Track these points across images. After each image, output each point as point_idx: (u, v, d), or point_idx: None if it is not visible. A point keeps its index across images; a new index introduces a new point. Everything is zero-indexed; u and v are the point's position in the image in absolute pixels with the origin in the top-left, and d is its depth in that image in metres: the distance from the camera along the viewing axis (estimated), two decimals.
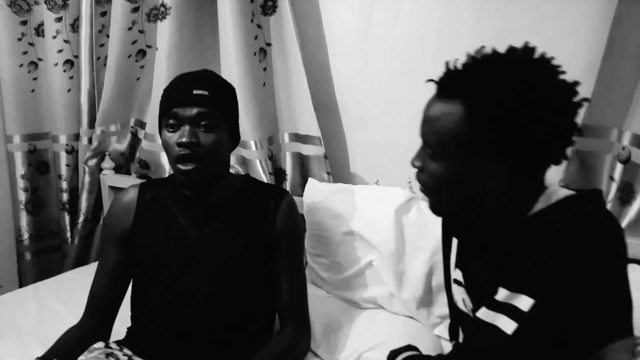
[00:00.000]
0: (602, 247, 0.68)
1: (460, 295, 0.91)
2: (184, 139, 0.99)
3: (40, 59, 2.10)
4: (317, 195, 1.55)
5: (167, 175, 1.84)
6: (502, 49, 0.78)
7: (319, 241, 1.53)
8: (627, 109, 1.16)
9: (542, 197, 0.76)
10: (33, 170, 2.17)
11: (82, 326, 1.13)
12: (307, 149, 1.69)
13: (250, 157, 1.71)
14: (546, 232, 0.71)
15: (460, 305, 0.92)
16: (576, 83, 0.70)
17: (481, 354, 0.74)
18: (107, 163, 2.03)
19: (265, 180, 1.66)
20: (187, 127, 1.01)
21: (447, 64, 0.76)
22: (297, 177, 1.75)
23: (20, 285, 2.15)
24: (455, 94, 0.73)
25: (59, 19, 1.99)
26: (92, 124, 2.06)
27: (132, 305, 1.15)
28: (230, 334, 1.08)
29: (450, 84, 0.75)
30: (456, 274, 0.92)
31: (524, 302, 0.68)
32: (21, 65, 2.06)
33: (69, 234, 2.18)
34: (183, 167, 1.01)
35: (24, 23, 2.04)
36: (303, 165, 1.74)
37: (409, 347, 0.92)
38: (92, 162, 2.05)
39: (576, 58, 1.17)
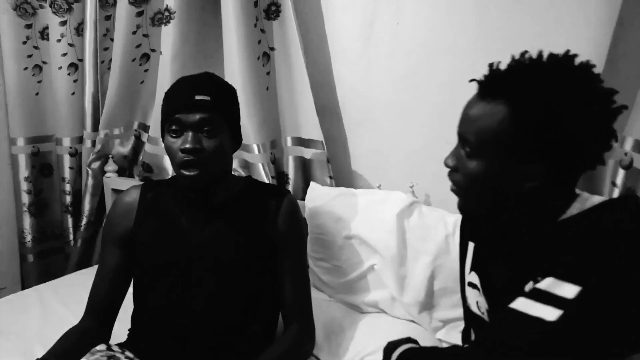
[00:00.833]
0: None
1: (474, 298, 0.91)
2: (187, 145, 1.00)
3: (44, 62, 2.11)
4: (319, 199, 1.55)
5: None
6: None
7: (320, 245, 1.53)
8: (629, 115, 1.16)
9: (576, 203, 0.77)
10: (37, 173, 2.18)
11: (82, 327, 1.12)
12: (309, 153, 1.69)
13: (252, 160, 1.71)
14: (592, 231, 0.71)
15: (474, 308, 0.92)
16: (614, 91, 0.72)
17: (511, 347, 0.71)
18: (111, 166, 2.03)
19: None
20: (190, 133, 1.01)
21: (490, 65, 0.77)
22: (299, 181, 1.76)
23: (23, 287, 2.16)
24: (498, 95, 0.74)
25: (64, 23, 2.00)
26: (95, 127, 2.06)
27: (133, 306, 1.15)
28: (231, 335, 1.08)
29: (494, 85, 0.75)
30: (471, 277, 0.93)
31: (569, 290, 0.66)
32: (26, 69, 2.07)
33: (71, 236, 2.19)
34: (187, 173, 1.02)
35: (29, 26, 2.05)
36: (305, 169, 1.74)
37: (409, 340, 0.91)
38: (96, 164, 2.06)
39: None
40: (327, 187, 1.62)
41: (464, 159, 0.79)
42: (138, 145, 2.09)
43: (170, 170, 1.91)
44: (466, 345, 0.97)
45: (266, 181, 1.68)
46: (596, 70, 0.73)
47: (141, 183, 1.20)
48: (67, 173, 2.16)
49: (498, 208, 0.81)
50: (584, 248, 0.69)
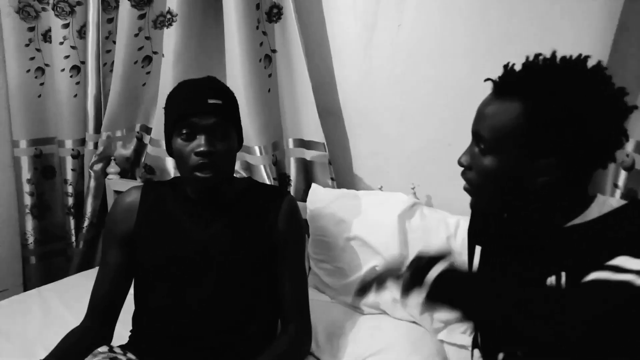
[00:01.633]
0: None
1: None
2: (203, 148, 1.01)
3: (47, 65, 2.11)
4: (320, 200, 1.56)
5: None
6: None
7: (322, 247, 1.53)
8: (630, 117, 1.16)
9: (594, 205, 0.78)
10: (39, 175, 2.18)
11: (84, 328, 1.13)
12: (311, 155, 1.70)
13: (254, 162, 1.71)
14: (627, 228, 0.72)
15: None
16: (626, 92, 0.74)
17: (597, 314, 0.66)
18: (113, 168, 2.04)
19: None
20: (203, 136, 1.02)
21: (505, 66, 0.79)
22: (301, 183, 1.76)
23: (25, 289, 2.16)
24: (514, 93, 0.76)
25: (66, 26, 2.01)
26: (98, 129, 2.07)
27: (134, 307, 1.16)
28: (232, 334, 1.09)
29: (509, 84, 0.77)
30: None
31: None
32: (28, 71, 2.08)
33: (74, 238, 2.19)
34: (202, 175, 1.03)
35: (32, 29, 2.06)
36: (307, 171, 1.74)
37: (444, 255, 0.78)
38: (98, 166, 2.07)
39: None
40: (328, 188, 1.62)
41: (478, 157, 0.80)
42: (140, 147, 2.09)
43: (172, 172, 1.91)
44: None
45: (268, 183, 1.68)
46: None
47: (142, 184, 1.20)
48: (69, 175, 2.16)
49: (511, 205, 0.82)
50: (626, 243, 0.68)
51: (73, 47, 2.04)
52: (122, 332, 1.17)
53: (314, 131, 1.66)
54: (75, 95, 2.08)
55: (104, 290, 1.14)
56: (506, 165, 0.77)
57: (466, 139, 0.86)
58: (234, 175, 1.21)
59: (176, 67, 1.76)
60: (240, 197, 1.15)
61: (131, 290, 1.18)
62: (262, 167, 1.69)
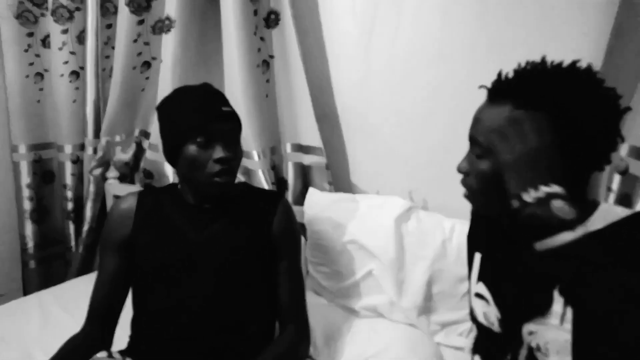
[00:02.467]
0: None
1: (480, 309, 0.91)
2: (224, 155, 1.05)
3: (46, 70, 2.12)
4: (318, 204, 1.57)
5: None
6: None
7: (320, 250, 1.54)
8: (624, 122, 1.17)
9: (598, 212, 0.77)
10: (38, 180, 2.18)
11: (83, 334, 1.13)
12: (309, 159, 1.71)
13: (252, 167, 1.72)
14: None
15: (481, 319, 0.91)
16: (618, 94, 0.75)
17: None
18: (112, 172, 2.04)
19: None
20: (221, 143, 1.06)
21: (499, 73, 0.80)
22: (298, 187, 1.77)
23: (25, 293, 2.16)
24: (506, 97, 0.77)
25: (65, 31, 2.01)
26: (97, 134, 2.08)
27: (133, 311, 1.16)
28: (230, 336, 1.09)
29: (502, 89, 0.79)
30: (478, 288, 0.92)
31: None
32: (27, 76, 2.08)
33: (73, 243, 2.20)
34: (221, 181, 1.06)
35: (31, 35, 2.06)
36: (305, 176, 1.75)
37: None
38: (97, 171, 2.07)
39: None
40: (325, 192, 1.63)
41: (475, 162, 0.81)
42: (139, 152, 2.10)
43: (171, 177, 1.92)
44: None
45: (266, 187, 1.69)
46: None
47: (138, 190, 1.22)
48: (68, 180, 2.17)
49: (510, 210, 0.82)
50: None
51: (72, 53, 2.05)
52: (122, 335, 1.17)
53: (311, 136, 1.67)
54: (75, 101, 2.09)
55: (103, 296, 1.15)
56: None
57: (463, 144, 0.86)
58: None
59: (175, 72, 1.77)
60: (235, 199, 1.17)
61: (129, 296, 1.18)
62: (260, 171, 1.70)
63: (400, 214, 1.43)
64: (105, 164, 2.07)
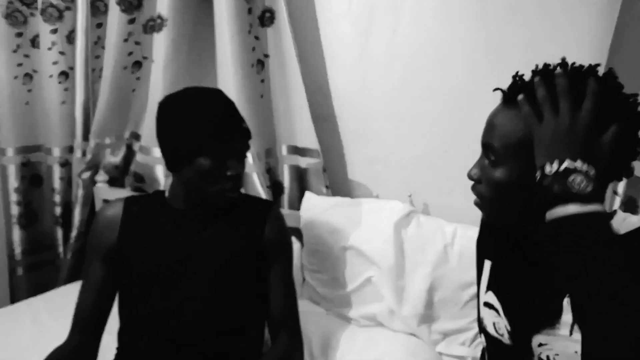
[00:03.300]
0: None
1: (490, 319, 0.89)
2: (237, 171, 1.06)
3: (35, 71, 2.08)
4: (314, 209, 1.54)
5: (160, 189, 1.82)
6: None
7: (316, 256, 1.51)
8: None
9: (613, 221, 0.74)
10: (26, 184, 2.14)
11: (69, 344, 1.10)
12: (305, 162, 1.68)
13: (247, 170, 1.68)
14: None
15: (490, 330, 0.89)
16: (638, 102, 0.71)
17: None
18: (101, 176, 2.00)
19: (263, 194, 1.65)
20: (236, 159, 1.07)
21: (514, 76, 0.77)
22: (295, 191, 1.74)
23: (12, 301, 2.11)
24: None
25: (55, 31, 1.98)
26: (86, 136, 2.03)
27: (120, 321, 1.13)
28: (219, 343, 1.08)
29: (518, 92, 0.74)
30: (488, 297, 0.90)
31: None
32: (16, 77, 2.04)
33: (61, 248, 2.15)
34: (232, 195, 1.08)
35: (20, 35, 2.03)
36: (301, 179, 1.72)
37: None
38: (86, 175, 2.02)
39: None
40: (322, 196, 1.60)
41: (488, 169, 0.78)
42: (129, 154, 2.06)
43: (162, 181, 1.87)
44: None
45: (261, 191, 1.66)
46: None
47: (125, 196, 1.20)
48: (57, 184, 2.13)
49: (525, 218, 0.79)
50: None
51: (62, 53, 2.01)
52: (111, 344, 1.14)
53: (308, 138, 1.64)
54: (64, 102, 2.05)
55: (88, 305, 1.12)
56: (516, 175, 0.74)
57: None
58: None
59: (166, 72, 1.74)
60: (227, 207, 1.15)
61: (115, 306, 1.16)
62: (254, 174, 1.66)
63: (400, 219, 1.40)
64: (94, 167, 2.03)
